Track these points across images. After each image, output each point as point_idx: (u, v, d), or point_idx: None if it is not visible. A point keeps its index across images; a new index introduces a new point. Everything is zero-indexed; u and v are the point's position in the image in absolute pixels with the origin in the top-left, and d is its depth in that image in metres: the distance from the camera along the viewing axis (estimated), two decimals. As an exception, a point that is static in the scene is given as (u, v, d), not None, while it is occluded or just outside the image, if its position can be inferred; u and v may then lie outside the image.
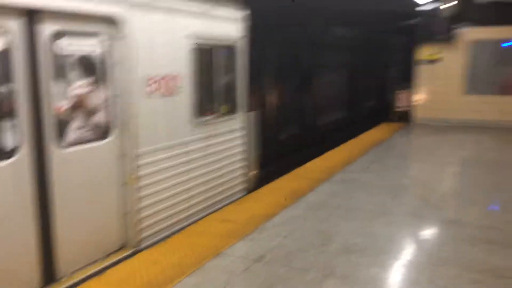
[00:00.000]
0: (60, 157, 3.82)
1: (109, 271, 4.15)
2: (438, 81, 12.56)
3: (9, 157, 3.46)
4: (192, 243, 4.77)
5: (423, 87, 12.89)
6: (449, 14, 11.76)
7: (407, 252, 4.64)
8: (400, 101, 13.37)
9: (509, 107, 12.01)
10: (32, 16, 3.54)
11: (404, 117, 13.35)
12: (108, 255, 4.47)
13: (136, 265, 4.25)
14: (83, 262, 4.20)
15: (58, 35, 3.79)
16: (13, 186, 3.50)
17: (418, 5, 11.42)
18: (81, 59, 4.34)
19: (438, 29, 11.96)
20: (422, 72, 12.86)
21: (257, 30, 6.51)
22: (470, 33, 12.20)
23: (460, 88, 12.36)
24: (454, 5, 11.75)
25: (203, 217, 5.60)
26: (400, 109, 13.48)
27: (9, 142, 3.56)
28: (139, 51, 4.49)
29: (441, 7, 11.82)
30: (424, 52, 12.66)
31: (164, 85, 4.92)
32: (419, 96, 12.93)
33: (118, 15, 4.19)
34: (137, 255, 4.42)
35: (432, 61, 12.42)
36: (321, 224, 5.36)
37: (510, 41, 11.70)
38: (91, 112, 4.37)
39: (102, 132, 4.33)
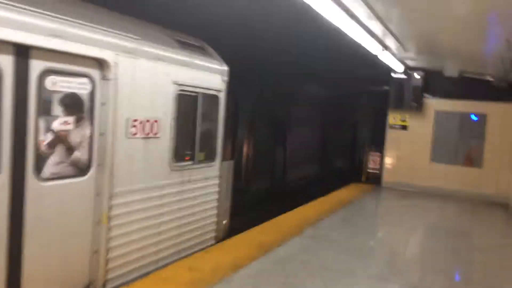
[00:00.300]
0: (37, 189, 3.93)
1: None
2: (406, 147, 13.01)
3: None
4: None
5: (392, 151, 13.32)
6: (419, 84, 12.39)
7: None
8: (371, 163, 13.68)
9: (469, 178, 12.43)
10: (25, 52, 3.78)
11: (374, 179, 13.64)
12: None
13: None
14: None
15: (48, 72, 4.02)
16: None
17: (391, 72, 12.02)
18: (67, 96, 4.45)
19: (408, 97, 12.53)
20: (392, 137, 13.32)
21: (233, 85, 6.87)
22: (438, 104, 12.84)
23: (426, 155, 12.81)
24: (424, 76, 12.37)
25: (171, 263, 5.65)
26: (370, 171, 13.75)
27: None
28: (124, 94, 4.74)
29: (412, 77, 12.44)
30: (394, 118, 13.19)
31: (146, 128, 5.14)
32: (388, 160, 13.33)
33: (108, 59, 4.49)
34: None
35: (402, 127, 12.90)
36: (287, 279, 5.37)
37: (476, 115, 12.36)
38: (71, 149, 4.50)
39: (81, 169, 4.48)
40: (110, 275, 4.72)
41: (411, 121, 13.26)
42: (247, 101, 8.97)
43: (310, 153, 14.11)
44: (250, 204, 9.58)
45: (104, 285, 4.64)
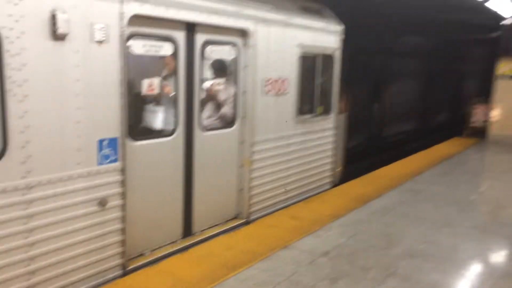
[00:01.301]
0: (201, 137, 5.10)
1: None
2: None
3: (171, 135, 4.78)
4: (264, 234, 5.18)
5: (500, 102, 12.47)
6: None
7: (470, 263, 4.90)
8: (476, 116, 12.97)
9: None
10: (191, 28, 4.81)
11: (479, 133, 12.95)
12: (226, 221, 5.67)
13: (213, 247, 5.01)
14: (209, 224, 5.41)
15: (207, 43, 5.06)
16: (172, 154, 4.80)
17: (502, 18, 11.11)
18: (217, 61, 5.55)
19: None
20: (500, 87, 12.44)
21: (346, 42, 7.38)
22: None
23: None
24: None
25: (296, 202, 6.63)
26: (475, 124, 13.08)
27: (170, 125, 4.85)
28: (260, 57, 5.67)
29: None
30: (504, 66, 12.26)
31: (277, 86, 6.05)
32: (496, 112, 12.51)
33: (249, 28, 5.45)
34: (213, 241, 5.20)
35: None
36: (386, 228, 5.68)
37: None
38: (220, 105, 5.58)
39: (228, 122, 5.58)
40: (252, 209, 5.86)
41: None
42: (357, 57, 9.02)
43: (411, 107, 13.70)
44: (360, 154, 9.88)
45: (247, 216, 5.80)
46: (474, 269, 4.77)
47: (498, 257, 5.16)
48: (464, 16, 11.80)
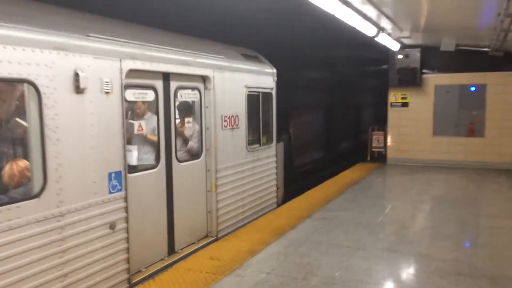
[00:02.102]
0: (177, 168, 6.21)
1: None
2: (408, 123, 13.36)
3: (156, 167, 5.86)
4: (183, 280, 5.00)
5: (394, 129, 13.64)
6: (417, 61, 12.58)
7: (384, 284, 5.04)
8: (375, 142, 14.05)
9: (473, 148, 12.70)
10: (166, 77, 5.98)
11: (380, 157, 13.98)
12: (199, 240, 6.79)
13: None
14: (186, 242, 6.47)
15: (178, 88, 6.26)
16: (157, 183, 5.84)
17: (389, 51, 12.18)
18: (183, 103, 6.66)
19: (407, 74, 12.73)
20: (393, 115, 13.61)
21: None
22: (437, 78, 13.09)
23: (429, 130, 13.09)
24: (421, 53, 12.54)
25: (251, 221, 7.78)
26: (375, 149, 14.12)
27: (153, 159, 5.96)
28: (218, 98, 6.94)
29: (410, 54, 12.62)
30: (395, 95, 13.44)
31: (232, 122, 7.33)
32: (391, 138, 13.62)
33: (208, 75, 6.77)
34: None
35: (403, 104, 13.18)
36: (302, 259, 5.82)
37: (475, 86, 12.57)
38: (187, 140, 6.75)
39: (195, 154, 6.77)
40: (220, 228, 7.07)
41: (411, 97, 13.77)
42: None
43: (316, 137, 14.34)
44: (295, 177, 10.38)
45: (216, 234, 6.98)
46: (387, 290, 4.99)
47: (407, 275, 5.51)
48: (359, 51, 12.79)
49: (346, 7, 7.15)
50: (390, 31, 10.25)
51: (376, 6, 7.65)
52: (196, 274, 5.46)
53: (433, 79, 13.86)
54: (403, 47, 13.06)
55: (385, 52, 13.24)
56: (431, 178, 11.99)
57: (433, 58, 13.63)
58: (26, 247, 3.94)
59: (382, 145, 14.89)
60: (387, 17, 8.67)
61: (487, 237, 6.98)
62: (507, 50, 11.83)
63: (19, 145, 4.38)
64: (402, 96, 14.11)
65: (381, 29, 9.77)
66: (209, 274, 5.44)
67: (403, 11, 8.67)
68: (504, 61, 12.75)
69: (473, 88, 13.48)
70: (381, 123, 14.65)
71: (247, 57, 8.25)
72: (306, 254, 6.12)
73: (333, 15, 7.24)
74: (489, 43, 11.00)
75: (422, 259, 5.97)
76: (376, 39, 10.06)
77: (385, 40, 10.71)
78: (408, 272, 5.69)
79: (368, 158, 15.17)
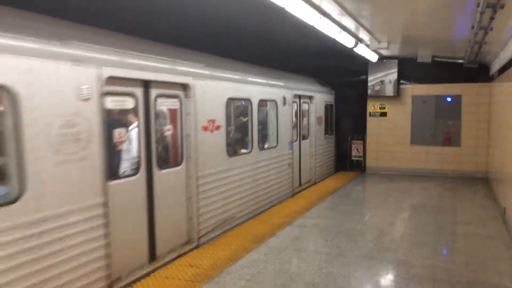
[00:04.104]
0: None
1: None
2: (386, 132, 13.56)
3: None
4: (161, 288, 4.98)
5: (373, 138, 13.82)
6: (394, 72, 12.83)
7: (361, 290, 5.00)
8: (354, 151, 14.23)
9: (449, 157, 12.97)
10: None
11: (359, 166, 14.13)
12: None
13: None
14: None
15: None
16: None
17: (367, 62, 12.37)
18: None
19: (385, 85, 12.99)
20: (372, 124, 13.81)
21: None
22: (414, 89, 13.34)
23: (407, 139, 13.32)
24: (399, 64, 12.77)
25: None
26: (354, 158, 14.29)
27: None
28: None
29: (387, 65, 12.88)
30: (373, 105, 13.64)
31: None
32: (370, 147, 13.80)
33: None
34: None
35: (382, 114, 13.38)
36: (283, 266, 5.76)
37: (451, 97, 12.86)
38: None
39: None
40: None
41: (389, 107, 13.94)
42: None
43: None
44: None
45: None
46: (366, 297, 5.01)
47: (386, 281, 5.56)
48: (339, 61, 12.94)
49: (325, 18, 7.26)
50: (368, 42, 10.42)
51: (354, 18, 7.78)
52: (175, 281, 5.39)
53: (411, 89, 14.05)
54: (381, 58, 13.29)
55: (364, 63, 13.44)
56: (409, 187, 12.11)
57: (410, 69, 13.86)
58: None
59: (361, 154, 15.04)
60: (365, 28, 8.81)
61: (463, 244, 7.04)
62: (481, 62, 12.13)
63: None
64: (381, 106, 14.30)
65: (359, 40, 9.92)
66: (188, 282, 5.39)
67: (380, 23, 8.83)
68: (478, 73, 12.97)
69: (449, 99, 13.69)
70: (360, 132, 14.83)
71: (322, 84, 11.93)
72: (286, 261, 6.12)
73: (313, 26, 7.34)
74: (464, 55, 11.26)
75: (401, 266, 6.02)
76: (355, 49, 10.21)
77: (363, 51, 10.87)
78: (386, 278, 5.72)
79: (348, 167, 15.36)
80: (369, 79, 14.04)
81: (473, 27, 7.07)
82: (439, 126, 13.79)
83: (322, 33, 8.03)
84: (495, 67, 10.95)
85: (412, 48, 11.89)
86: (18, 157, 4.01)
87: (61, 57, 4.45)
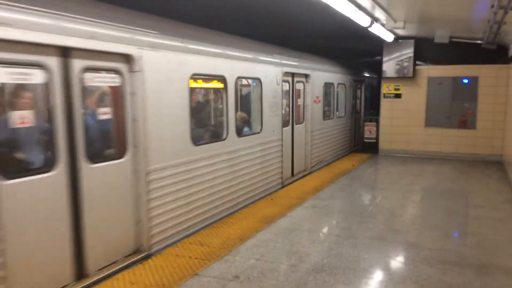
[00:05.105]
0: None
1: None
2: (401, 114, 13.40)
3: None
4: (171, 265, 4.96)
5: (387, 120, 13.67)
6: (411, 52, 12.58)
7: (371, 271, 5.11)
8: (367, 133, 14.11)
9: (464, 140, 13.34)
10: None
11: (372, 148, 14.04)
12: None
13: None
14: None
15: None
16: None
17: (383, 42, 12.14)
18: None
19: (401, 65, 12.77)
20: (386, 106, 13.65)
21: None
22: (430, 70, 13.10)
23: (421, 121, 13.14)
24: (415, 44, 12.51)
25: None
26: (368, 140, 14.19)
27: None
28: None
29: (403, 45, 12.63)
30: (387, 87, 13.45)
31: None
32: (384, 129, 13.67)
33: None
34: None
35: (396, 95, 13.20)
36: (292, 246, 5.80)
37: (467, 79, 12.60)
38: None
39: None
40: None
41: (404, 89, 13.73)
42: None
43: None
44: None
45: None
46: (375, 277, 5.05)
47: (395, 263, 5.54)
48: (352, 42, 12.74)
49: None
50: (384, 21, 10.19)
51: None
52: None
53: (426, 70, 13.83)
54: (397, 38, 13.02)
55: (379, 43, 13.20)
56: (422, 169, 12.00)
57: (427, 49, 13.56)
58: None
59: (374, 136, 14.95)
60: (381, 7, 8.61)
61: (474, 227, 7.00)
62: (500, 43, 11.81)
63: None
64: (395, 87, 14.10)
65: (375, 19, 9.71)
66: (197, 260, 5.29)
67: (397, 1, 8.62)
68: (497, 54, 12.70)
69: (465, 81, 13.44)
70: (375, 114, 14.68)
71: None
72: (296, 242, 6.10)
73: (327, 4, 7.18)
74: (482, 35, 10.97)
75: (411, 248, 6.01)
76: (370, 29, 10.01)
77: (378, 30, 10.65)
78: (396, 260, 5.68)
79: (361, 148, 15.19)
80: (383, 59, 13.78)
81: (492, 6, 6.86)
82: (455, 108, 13.59)
83: (337, 12, 7.88)
84: (515, 48, 10.69)
85: (429, 28, 11.62)
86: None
87: None
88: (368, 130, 15.07)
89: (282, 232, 6.52)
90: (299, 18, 9.42)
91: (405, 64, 13.67)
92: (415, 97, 13.96)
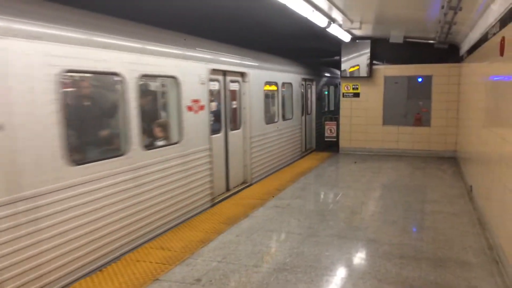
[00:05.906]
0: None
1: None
2: (359, 113, 13.70)
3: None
4: (131, 270, 4.86)
5: (346, 119, 13.92)
6: (367, 52, 12.87)
7: (332, 268, 5.16)
8: (328, 131, 14.33)
9: (420, 137, 13.34)
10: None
11: (333, 146, 14.26)
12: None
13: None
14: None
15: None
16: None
17: (341, 42, 12.34)
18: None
19: (357, 65, 13.08)
20: (345, 105, 13.90)
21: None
22: (386, 70, 13.44)
23: (379, 120, 13.48)
24: (371, 44, 12.81)
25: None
26: (328, 139, 14.41)
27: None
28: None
29: (360, 46, 12.90)
30: (346, 86, 13.70)
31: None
32: (343, 127, 13.92)
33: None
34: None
35: (355, 94, 13.47)
36: (254, 247, 5.77)
37: (422, 78, 13.03)
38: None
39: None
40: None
41: (362, 88, 14.01)
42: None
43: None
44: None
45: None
46: (336, 274, 5.10)
47: (355, 259, 5.65)
48: (314, 43, 12.88)
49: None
50: (341, 22, 10.39)
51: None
52: (146, 264, 5.32)
53: (383, 70, 14.15)
54: (354, 38, 13.32)
55: (337, 43, 13.45)
56: (380, 166, 12.29)
57: (383, 49, 13.91)
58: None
59: (334, 134, 15.23)
60: (338, 8, 8.78)
61: (430, 222, 7.18)
62: (451, 42, 12.29)
63: None
64: (354, 86, 14.39)
65: (332, 20, 9.88)
66: (159, 265, 5.27)
67: (353, 3, 8.81)
68: (449, 53, 13.14)
69: (420, 79, 13.84)
70: (335, 113, 14.92)
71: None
72: (258, 242, 6.17)
73: (285, 5, 7.25)
74: (434, 35, 11.37)
75: (370, 244, 6.15)
76: (328, 30, 10.18)
77: (336, 31, 10.85)
78: (356, 256, 5.78)
79: (322, 147, 15.47)
80: (342, 59, 14.06)
81: (443, 7, 7.12)
82: (411, 106, 13.97)
83: (295, 12, 7.97)
84: (465, 47, 11.11)
85: (385, 28, 11.94)
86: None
87: None
88: (329, 129, 15.33)
89: (244, 232, 6.50)
90: (256, 18, 9.49)
91: (362, 63, 14.11)
92: (372, 96, 14.28)
